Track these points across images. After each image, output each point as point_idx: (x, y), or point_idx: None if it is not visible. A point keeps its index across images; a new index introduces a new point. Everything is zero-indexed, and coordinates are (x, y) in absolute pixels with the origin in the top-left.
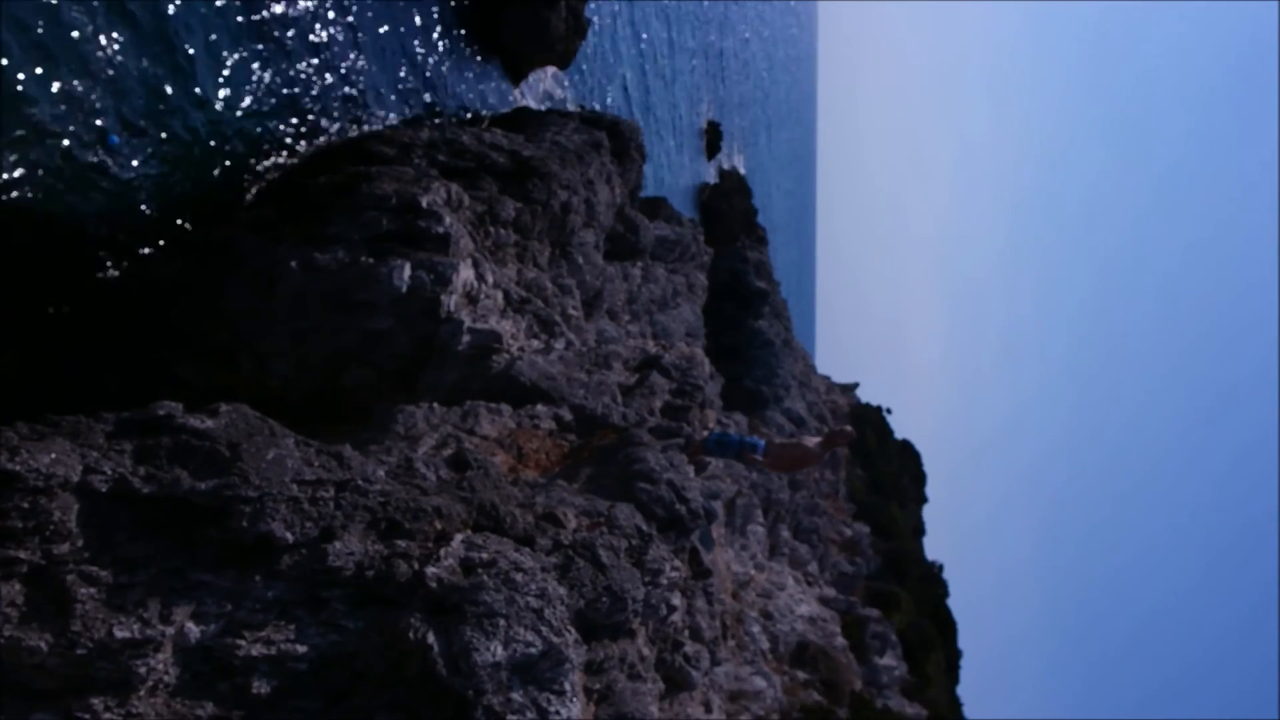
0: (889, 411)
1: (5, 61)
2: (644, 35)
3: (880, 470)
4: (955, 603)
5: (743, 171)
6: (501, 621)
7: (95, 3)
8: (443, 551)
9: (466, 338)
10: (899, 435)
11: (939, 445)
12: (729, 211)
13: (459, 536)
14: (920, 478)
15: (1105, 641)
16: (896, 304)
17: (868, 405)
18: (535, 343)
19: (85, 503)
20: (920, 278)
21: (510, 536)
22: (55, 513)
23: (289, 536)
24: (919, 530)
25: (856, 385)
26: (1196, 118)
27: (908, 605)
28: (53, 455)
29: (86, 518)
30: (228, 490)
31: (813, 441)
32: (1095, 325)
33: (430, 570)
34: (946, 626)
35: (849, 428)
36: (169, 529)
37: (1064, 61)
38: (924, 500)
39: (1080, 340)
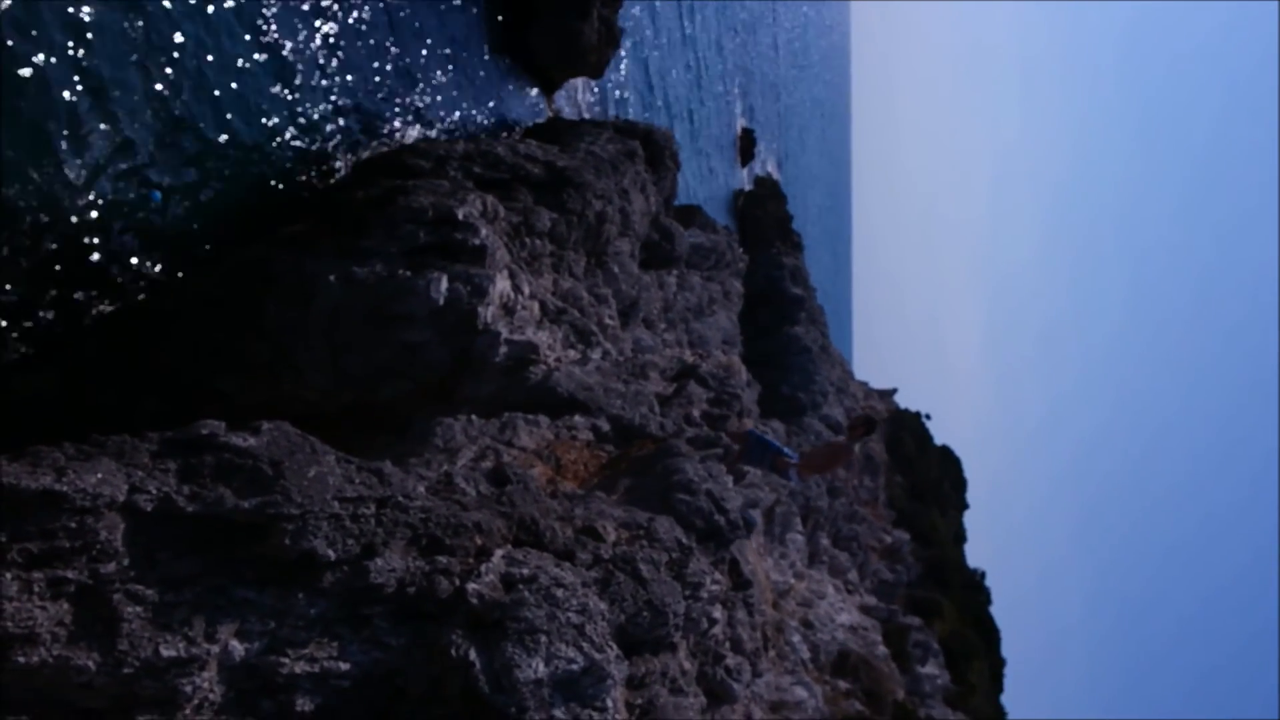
0: (928, 417)
1: (53, 92)
2: (676, 43)
3: (920, 476)
4: (997, 610)
5: (777, 177)
6: (543, 638)
7: (129, 32)
8: (483, 567)
9: (503, 349)
10: (938, 440)
11: (977, 447)
12: (764, 218)
13: (499, 552)
14: (960, 483)
15: (1146, 640)
16: (933, 304)
17: (906, 411)
18: (572, 353)
19: (131, 522)
20: (956, 277)
21: (550, 551)
22: (102, 532)
23: (331, 554)
24: (960, 537)
25: (894, 390)
26: (1233, 107)
27: (950, 613)
28: (99, 475)
29: (132, 537)
30: (270, 508)
31: (840, 439)
32: (1134, 318)
33: (471, 586)
34: (989, 634)
35: (866, 414)
36: (213, 547)
37: (1099, 55)
38: (964, 506)
39: (1119, 334)
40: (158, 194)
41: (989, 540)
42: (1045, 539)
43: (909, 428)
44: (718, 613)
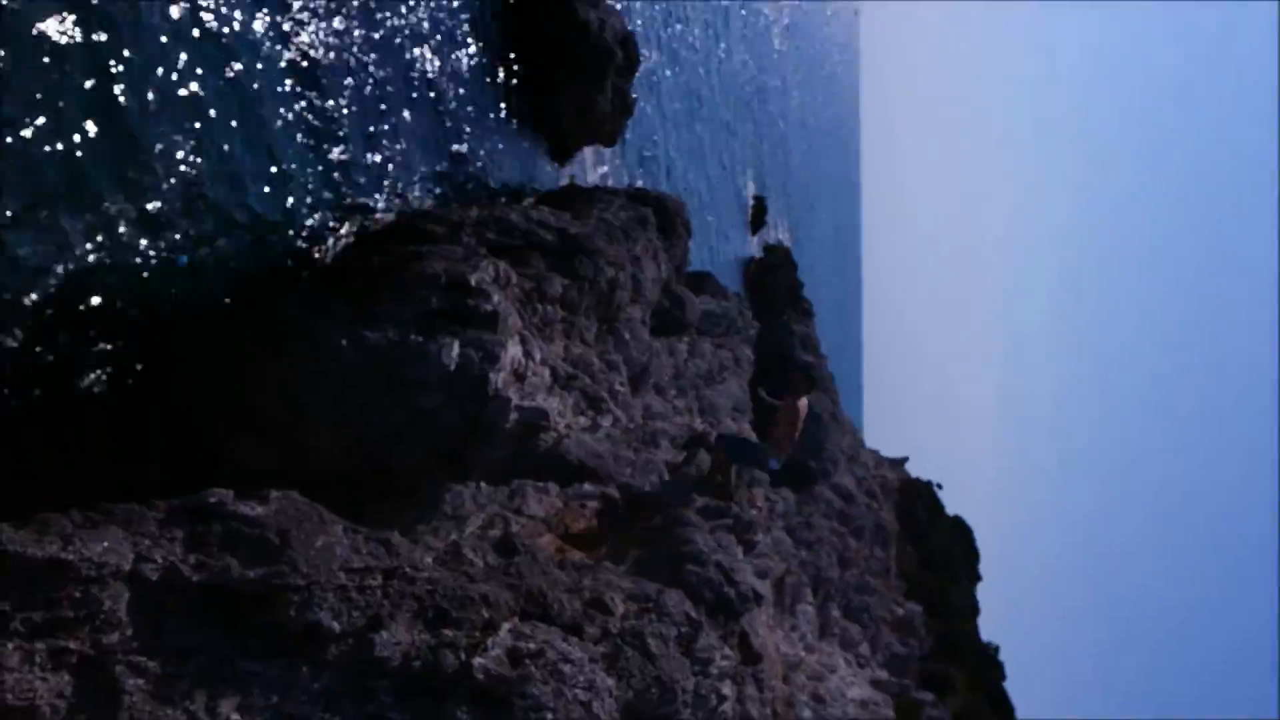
0: (939, 486)
1: (75, 146)
2: (688, 113)
3: (932, 547)
4: (1012, 685)
5: (788, 244)
6: (549, 715)
7: (148, 97)
8: (490, 641)
9: (514, 415)
10: (950, 509)
11: (990, 512)
12: (774, 285)
13: (506, 625)
14: (973, 555)
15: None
16: (945, 369)
17: (917, 480)
18: (582, 419)
19: (136, 591)
20: (969, 338)
21: (558, 625)
22: (106, 602)
23: (336, 626)
24: (973, 609)
25: (906, 459)
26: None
27: (963, 688)
28: (105, 544)
29: (137, 606)
30: (276, 579)
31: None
32: (1151, 375)
33: (477, 661)
34: (1004, 710)
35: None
36: (218, 617)
37: (1124, 98)
38: (977, 578)
39: (1136, 390)
40: (184, 258)
41: (1001, 610)
42: (1059, 603)
43: (921, 497)
44: (727, 689)
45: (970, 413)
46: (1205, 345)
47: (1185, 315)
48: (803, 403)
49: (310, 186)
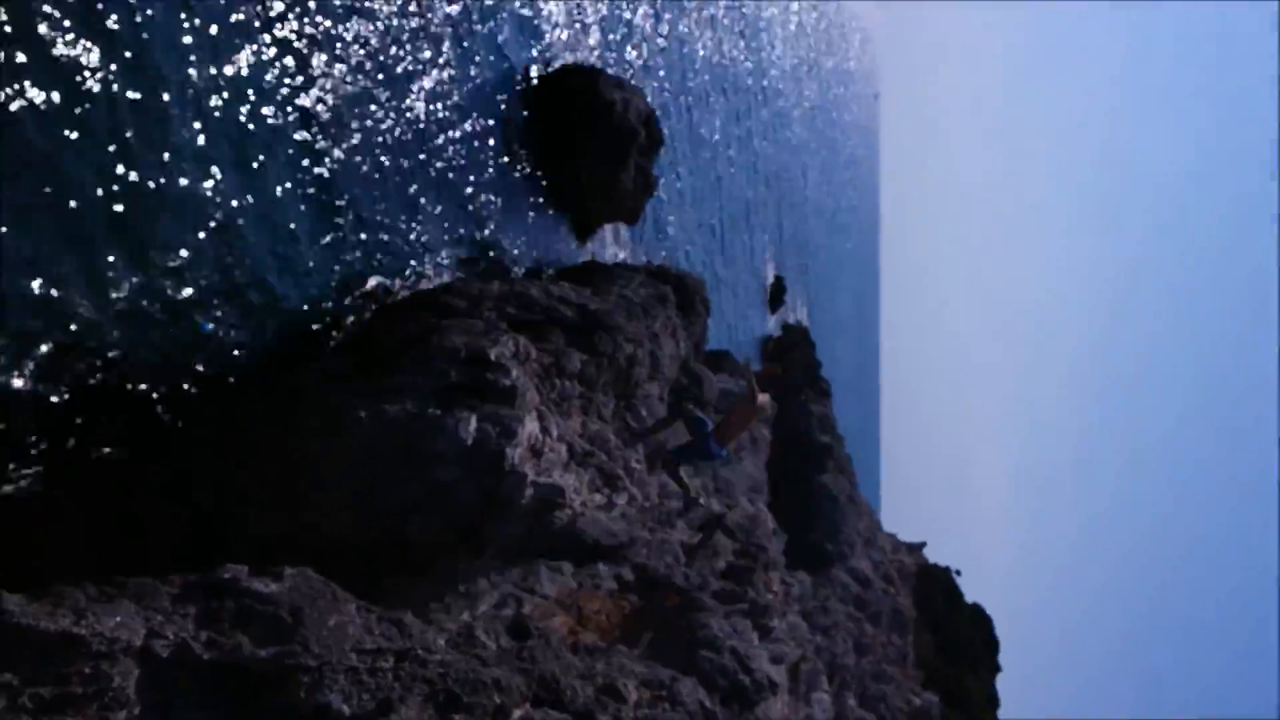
0: (958, 573)
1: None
2: (710, 192)
3: (950, 635)
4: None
5: (806, 324)
6: None
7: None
8: None
9: (529, 491)
10: (969, 596)
11: (1006, 599)
12: (792, 365)
13: (518, 712)
14: (992, 644)
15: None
16: (962, 450)
17: (935, 565)
18: (598, 497)
19: (146, 668)
20: (986, 419)
21: (570, 712)
22: (116, 679)
23: (345, 709)
24: (993, 700)
25: (923, 545)
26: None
27: None
28: (118, 618)
29: (147, 683)
30: (288, 658)
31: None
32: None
33: None
34: None
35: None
36: (228, 696)
37: (1152, 177)
38: (997, 669)
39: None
40: (208, 325)
41: (1021, 699)
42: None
43: (939, 583)
44: None
45: (991, 500)
46: (1213, 409)
47: (1195, 381)
48: (763, 398)
49: (331, 260)
